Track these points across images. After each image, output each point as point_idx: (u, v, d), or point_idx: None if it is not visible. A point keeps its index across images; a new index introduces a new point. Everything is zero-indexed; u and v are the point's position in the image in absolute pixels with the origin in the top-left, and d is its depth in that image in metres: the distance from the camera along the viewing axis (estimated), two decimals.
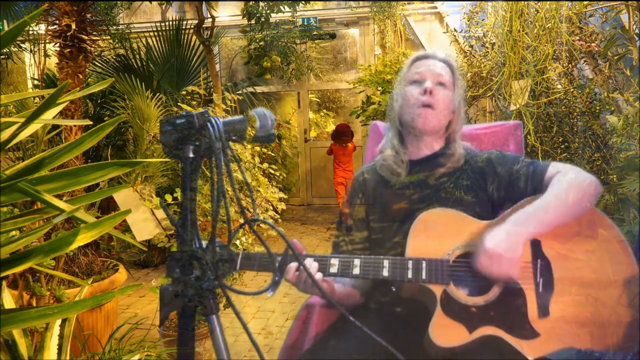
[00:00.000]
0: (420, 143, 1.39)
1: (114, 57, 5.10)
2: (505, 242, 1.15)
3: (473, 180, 1.34)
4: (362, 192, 1.44)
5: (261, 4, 4.12)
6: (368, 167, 1.49)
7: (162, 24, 5.34)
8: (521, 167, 1.32)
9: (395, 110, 1.42)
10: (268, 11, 4.15)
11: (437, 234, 1.23)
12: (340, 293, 1.32)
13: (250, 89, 5.96)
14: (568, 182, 1.23)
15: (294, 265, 1.21)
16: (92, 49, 2.77)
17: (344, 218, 1.45)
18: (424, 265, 1.19)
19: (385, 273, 1.19)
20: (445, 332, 1.15)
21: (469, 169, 1.36)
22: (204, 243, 0.88)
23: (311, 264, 1.21)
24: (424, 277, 1.18)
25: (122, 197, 2.49)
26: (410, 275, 1.18)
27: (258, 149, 3.12)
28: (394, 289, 1.23)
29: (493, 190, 1.33)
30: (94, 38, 2.81)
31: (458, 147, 1.39)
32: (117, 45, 5.29)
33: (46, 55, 3.46)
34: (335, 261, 1.22)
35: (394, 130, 1.43)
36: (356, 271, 1.20)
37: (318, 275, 1.21)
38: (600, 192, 1.26)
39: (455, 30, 5.80)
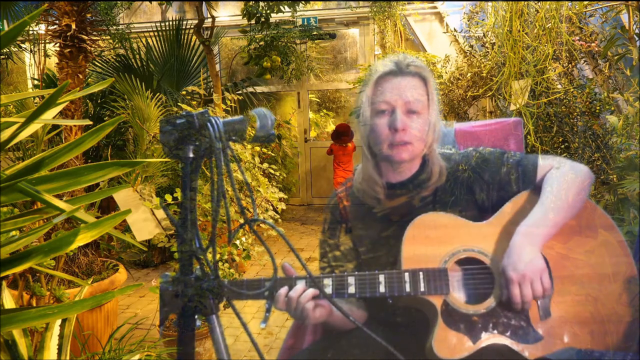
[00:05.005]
0: (397, 168, 1.28)
1: (114, 57, 5.10)
2: (524, 259, 1.12)
3: (459, 194, 1.28)
4: (345, 222, 1.35)
5: (261, 4, 4.12)
6: (342, 191, 1.39)
7: (162, 24, 5.34)
8: (509, 169, 1.26)
9: (363, 137, 1.28)
10: (268, 11, 4.15)
11: (432, 239, 1.20)
12: (339, 316, 1.21)
13: (250, 89, 5.96)
14: (565, 179, 1.20)
15: (283, 291, 1.13)
16: (92, 49, 2.77)
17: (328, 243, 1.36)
18: (421, 276, 1.15)
19: (382, 289, 1.14)
20: (450, 345, 1.13)
21: (453, 184, 1.29)
22: (204, 243, 0.88)
23: (306, 291, 1.12)
24: (422, 289, 1.15)
25: (122, 197, 2.49)
26: (408, 288, 1.14)
27: (258, 149, 3.12)
28: (390, 301, 1.17)
29: (483, 198, 1.28)
30: (94, 38, 2.81)
31: (437, 161, 1.28)
32: (117, 45, 5.29)
33: (46, 55, 3.46)
34: (328, 281, 1.15)
35: (366, 156, 1.29)
36: (351, 290, 1.14)
37: (311, 303, 1.12)
38: (593, 181, 1.24)
39: (455, 30, 5.80)
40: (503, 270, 1.14)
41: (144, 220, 2.51)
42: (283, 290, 1.13)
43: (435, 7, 6.08)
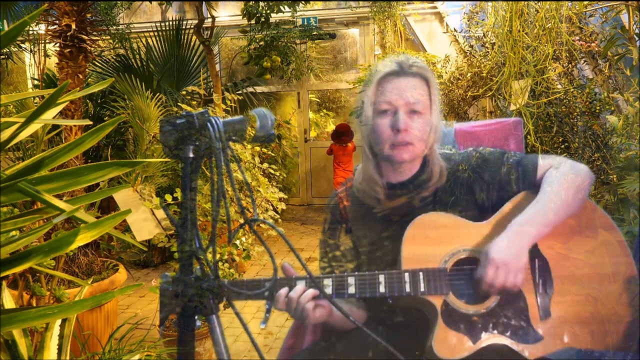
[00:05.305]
0: (398, 168, 1.29)
1: (114, 57, 5.10)
2: (510, 250, 1.12)
3: (459, 194, 1.28)
4: (345, 222, 1.35)
5: (261, 4, 4.12)
6: (343, 191, 1.39)
7: (162, 24, 5.34)
8: (510, 169, 1.27)
9: (365, 137, 1.28)
10: (268, 11, 4.15)
11: (432, 239, 1.20)
12: (339, 316, 1.21)
13: (250, 89, 5.96)
14: (563, 178, 1.20)
15: (283, 292, 1.13)
16: (92, 49, 2.77)
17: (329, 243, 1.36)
18: (421, 276, 1.15)
19: (382, 289, 1.14)
20: (450, 345, 1.13)
21: (453, 184, 1.29)
22: (204, 243, 0.88)
23: (306, 291, 1.12)
24: (422, 289, 1.15)
25: (122, 197, 2.49)
26: (408, 288, 1.14)
27: (258, 149, 3.12)
28: (390, 302, 1.17)
29: (483, 198, 1.28)
30: (94, 38, 2.81)
31: (437, 161, 1.28)
32: (117, 45, 5.29)
33: (46, 55, 3.46)
34: (328, 281, 1.15)
35: (366, 156, 1.29)
36: (351, 290, 1.13)
37: (311, 303, 1.12)
38: (593, 181, 1.24)
39: (455, 30, 5.80)
40: (487, 251, 1.14)
41: (144, 220, 2.51)
42: (283, 290, 1.13)
43: (435, 7, 6.08)
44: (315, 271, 1.31)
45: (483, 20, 4.38)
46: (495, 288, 1.13)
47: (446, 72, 5.32)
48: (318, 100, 7.59)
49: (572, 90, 3.22)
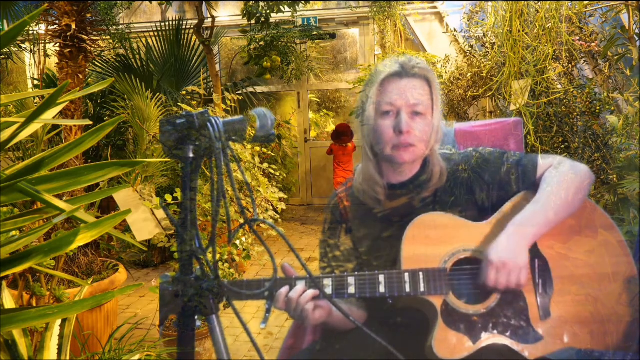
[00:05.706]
0: (398, 169, 1.29)
1: (114, 57, 5.10)
2: (510, 250, 1.13)
3: (459, 195, 1.28)
4: (345, 222, 1.35)
5: (261, 4, 4.12)
6: (343, 191, 1.39)
7: (162, 24, 5.34)
8: (509, 169, 1.27)
9: (365, 137, 1.28)
10: (268, 11, 4.15)
11: (432, 239, 1.20)
12: (338, 317, 1.20)
13: (250, 89, 5.96)
14: (563, 178, 1.20)
15: (284, 291, 1.13)
16: (92, 49, 2.77)
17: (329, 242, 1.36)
18: (421, 276, 1.15)
19: (382, 289, 1.14)
20: (450, 345, 1.13)
21: (453, 184, 1.29)
22: (204, 243, 0.88)
23: (306, 292, 1.12)
24: (422, 289, 1.15)
25: (122, 197, 2.49)
26: (408, 288, 1.14)
27: (258, 149, 3.12)
28: (390, 302, 1.17)
29: (483, 198, 1.28)
30: (94, 38, 2.82)
31: (437, 162, 1.28)
32: (117, 45, 5.29)
33: (46, 55, 3.46)
34: (328, 282, 1.15)
35: (367, 156, 1.29)
36: (351, 290, 1.13)
37: (311, 304, 1.13)
38: (593, 181, 1.23)
39: (455, 30, 5.80)
40: (486, 254, 1.14)
41: (144, 220, 2.51)
42: (284, 290, 1.13)
43: (435, 7, 6.08)
44: (315, 271, 1.31)
45: (483, 20, 4.38)
46: (499, 290, 1.14)
47: (446, 72, 5.32)
48: (318, 100, 7.59)
49: (572, 90, 3.22)
